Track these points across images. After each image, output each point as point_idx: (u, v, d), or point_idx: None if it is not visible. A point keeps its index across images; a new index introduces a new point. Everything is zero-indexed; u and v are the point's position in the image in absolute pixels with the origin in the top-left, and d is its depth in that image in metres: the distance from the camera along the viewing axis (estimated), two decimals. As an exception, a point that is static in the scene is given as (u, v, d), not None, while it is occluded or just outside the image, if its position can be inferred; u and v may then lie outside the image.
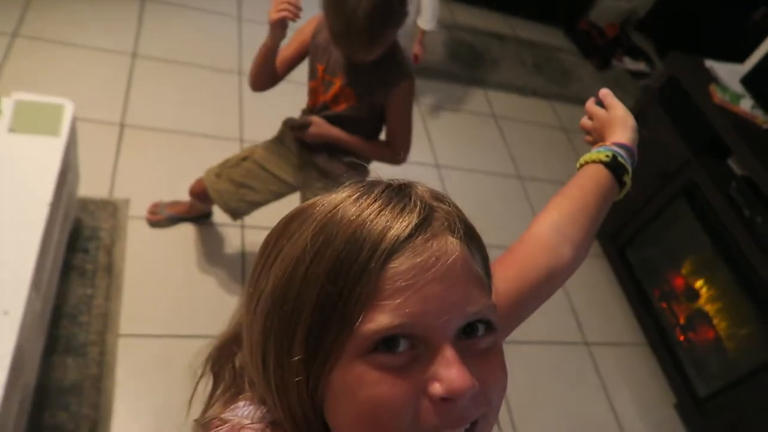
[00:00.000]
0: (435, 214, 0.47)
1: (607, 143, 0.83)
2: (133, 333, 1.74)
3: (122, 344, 1.71)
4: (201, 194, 1.83)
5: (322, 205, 0.47)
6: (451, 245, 0.46)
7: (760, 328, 1.98)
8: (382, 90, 1.50)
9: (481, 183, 2.77)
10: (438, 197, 0.49)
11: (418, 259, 0.44)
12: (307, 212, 0.48)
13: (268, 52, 1.50)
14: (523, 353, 2.16)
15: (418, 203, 0.46)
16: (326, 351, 0.44)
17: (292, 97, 2.63)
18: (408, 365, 0.43)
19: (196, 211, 2.03)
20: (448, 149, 2.82)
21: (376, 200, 0.46)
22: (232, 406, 0.53)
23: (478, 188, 2.74)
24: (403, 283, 0.43)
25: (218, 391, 0.58)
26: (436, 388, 0.43)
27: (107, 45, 2.48)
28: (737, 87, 2.19)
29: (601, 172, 0.80)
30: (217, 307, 1.84)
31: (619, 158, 0.81)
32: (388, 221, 0.45)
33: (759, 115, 2.12)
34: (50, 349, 1.62)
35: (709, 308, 2.21)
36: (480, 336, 0.46)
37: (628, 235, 2.47)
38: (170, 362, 1.70)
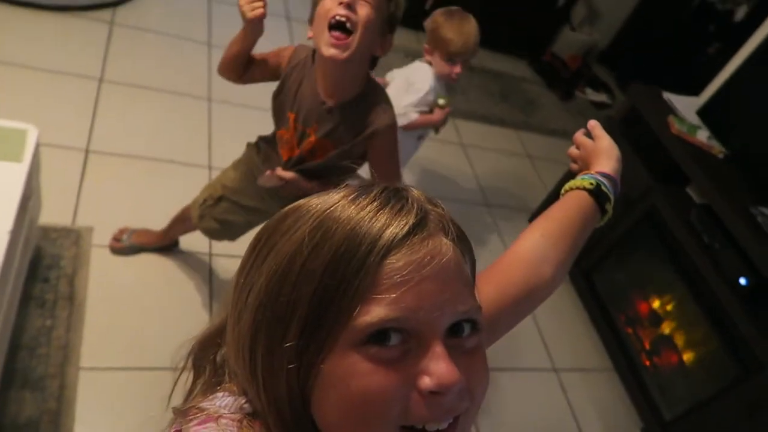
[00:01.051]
0: (430, 216, 0.49)
1: (592, 171, 0.87)
2: (94, 366, 1.69)
3: (83, 377, 1.65)
4: (187, 220, 1.82)
5: (319, 203, 0.50)
6: (445, 246, 0.48)
7: (720, 351, 2.02)
8: (363, 139, 1.38)
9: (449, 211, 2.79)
10: (432, 201, 0.52)
11: (415, 257, 0.46)
12: (303, 209, 0.50)
13: (242, 51, 1.42)
14: (492, 379, 2.16)
15: (415, 205, 0.49)
16: (320, 341, 0.46)
17: (261, 124, 2.63)
18: (399, 358, 0.45)
19: (168, 239, 1.99)
20: (418, 178, 2.85)
21: (374, 200, 0.48)
22: (210, 396, 0.53)
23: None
24: (399, 279, 0.45)
25: (198, 385, 0.59)
26: (426, 382, 0.45)
27: (73, 69, 2.45)
28: (693, 118, 2.28)
29: (585, 199, 0.84)
30: (183, 338, 1.79)
31: (603, 186, 0.84)
32: (386, 219, 0.47)
33: (715, 146, 2.20)
34: (6, 383, 1.56)
35: (672, 333, 2.26)
36: (466, 335, 0.48)
37: (593, 260, 2.51)
38: (133, 396, 1.65)
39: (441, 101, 2.12)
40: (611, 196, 0.86)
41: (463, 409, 0.48)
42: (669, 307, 2.30)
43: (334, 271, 0.45)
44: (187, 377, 0.60)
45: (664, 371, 2.27)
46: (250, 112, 2.68)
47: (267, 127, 2.73)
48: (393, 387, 0.45)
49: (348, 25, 1.24)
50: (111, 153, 2.23)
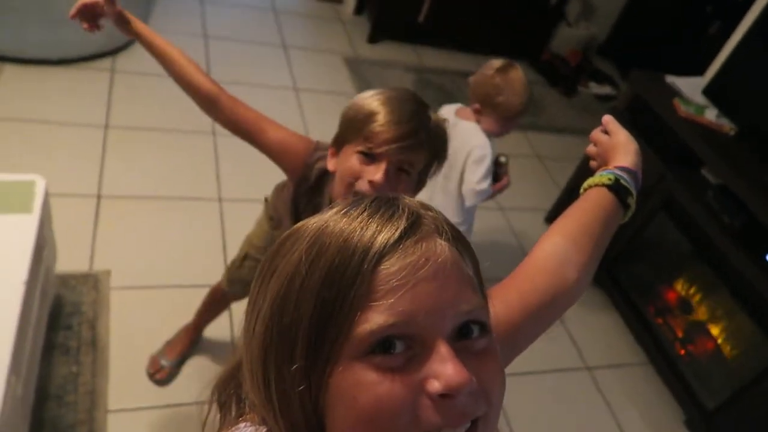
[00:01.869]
0: (423, 219, 0.49)
1: (610, 167, 0.85)
2: (122, 408, 1.69)
3: (112, 420, 1.65)
4: (219, 296, 1.74)
5: (314, 221, 0.49)
6: (440, 247, 0.47)
7: (755, 331, 1.96)
8: None
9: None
10: (425, 206, 0.51)
11: (409, 260, 0.45)
12: (300, 231, 0.50)
13: (146, 46, 1.28)
14: (524, 384, 2.12)
15: (406, 210, 0.48)
16: (325, 357, 0.45)
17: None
18: (405, 365, 0.44)
19: (200, 331, 1.87)
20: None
21: (364, 211, 0.48)
22: (233, 428, 0.53)
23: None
24: (395, 283, 0.44)
25: (226, 421, 0.58)
26: (434, 385, 0.43)
27: (78, 119, 2.50)
28: (700, 99, 2.24)
29: (605, 195, 0.81)
30: (207, 372, 1.79)
31: (622, 181, 0.82)
32: (377, 227, 0.46)
33: (724, 124, 2.16)
34: (37, 433, 1.57)
35: (704, 318, 2.20)
36: (475, 337, 0.47)
37: (613, 255, 2.47)
38: (164, 435, 1.65)
39: (502, 159, 1.95)
40: (632, 190, 0.83)
41: (480, 412, 0.46)
42: (697, 293, 2.24)
43: (330, 284, 0.45)
44: (215, 416, 0.60)
45: (700, 359, 2.20)
46: (255, 142, 2.70)
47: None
48: (400, 395, 0.44)
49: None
50: (122, 196, 2.25)
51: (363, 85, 3.33)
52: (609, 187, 0.82)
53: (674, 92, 2.29)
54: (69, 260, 1.92)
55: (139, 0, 3.02)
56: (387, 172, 1.03)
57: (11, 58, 2.60)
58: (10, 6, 2.45)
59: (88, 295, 1.92)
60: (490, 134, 1.88)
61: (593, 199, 0.82)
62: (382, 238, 0.46)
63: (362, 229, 0.46)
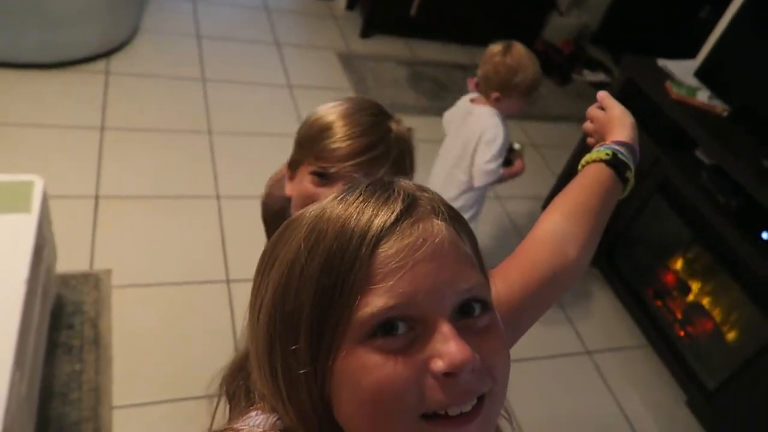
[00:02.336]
0: (419, 200, 0.49)
1: (607, 142, 0.84)
2: (126, 404, 1.70)
3: (117, 416, 1.67)
4: None
5: (311, 210, 0.50)
6: (437, 227, 0.47)
7: (753, 310, 1.98)
8: None
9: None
10: (420, 188, 0.51)
11: (406, 241, 0.45)
12: (298, 220, 0.50)
13: None
14: (526, 370, 2.13)
15: (401, 192, 0.49)
16: (328, 343, 0.45)
17: (262, 149, 2.67)
18: (407, 346, 0.45)
19: None
20: (423, 176, 2.85)
21: (360, 196, 0.48)
22: (244, 417, 0.53)
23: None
24: (393, 266, 0.44)
25: (236, 412, 0.58)
26: (438, 364, 0.44)
27: (74, 121, 2.51)
28: (692, 81, 2.25)
29: (603, 171, 0.81)
30: (210, 366, 1.80)
31: (620, 155, 0.82)
32: (373, 210, 0.47)
33: (717, 105, 2.17)
34: (43, 431, 1.58)
35: (702, 299, 2.21)
36: (476, 315, 0.47)
37: (610, 238, 2.48)
38: (168, 428, 1.66)
39: (516, 146, 1.93)
40: (630, 164, 0.83)
41: (485, 389, 0.46)
42: (695, 274, 2.26)
43: (329, 270, 0.45)
44: (224, 408, 0.60)
45: (700, 339, 2.22)
46: (250, 139, 2.72)
47: (268, 151, 2.78)
48: (404, 375, 0.44)
49: None
50: (120, 196, 2.27)
51: (357, 79, 3.34)
52: (607, 162, 0.81)
53: (666, 75, 2.30)
54: (69, 260, 1.94)
55: (132, 0, 3.02)
56: None
57: (4, 63, 2.61)
58: (5, 10, 2.46)
59: (89, 294, 1.93)
60: (507, 117, 1.90)
61: (591, 175, 0.81)
62: (378, 222, 0.46)
63: (359, 213, 0.47)
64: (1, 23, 2.49)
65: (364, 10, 3.82)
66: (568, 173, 2.76)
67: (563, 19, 4.12)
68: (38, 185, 1.55)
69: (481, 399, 0.46)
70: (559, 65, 3.93)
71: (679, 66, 2.34)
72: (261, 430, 0.50)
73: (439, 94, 3.46)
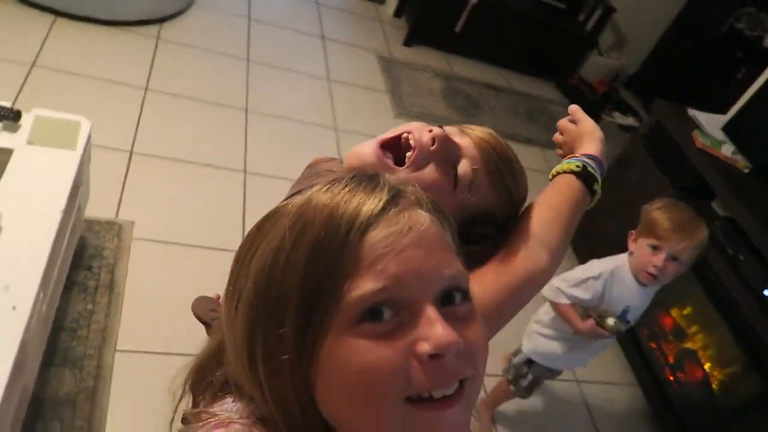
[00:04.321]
0: (403, 192, 0.51)
1: (577, 154, 0.87)
2: (130, 349, 1.77)
3: (119, 359, 1.73)
4: None
5: (294, 202, 0.50)
6: (422, 216, 0.49)
7: (745, 365, 2.01)
8: None
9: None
10: (404, 183, 0.53)
11: (393, 228, 0.47)
12: (280, 212, 0.51)
13: None
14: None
15: (387, 184, 0.50)
16: (315, 328, 0.46)
17: (294, 134, 2.75)
18: (393, 331, 0.46)
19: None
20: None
21: (346, 186, 0.50)
22: (219, 402, 0.54)
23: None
24: (381, 251, 0.46)
25: (210, 399, 0.58)
26: (424, 347, 0.45)
27: (121, 78, 2.60)
28: (718, 134, 2.31)
29: (573, 182, 0.84)
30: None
31: (589, 168, 0.85)
32: (361, 199, 0.48)
33: (739, 160, 2.22)
34: (48, 361, 1.64)
35: (696, 347, 2.25)
36: (458, 303, 0.49)
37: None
38: (165, 379, 1.72)
39: (610, 321, 1.65)
40: (598, 177, 0.86)
41: (467, 374, 0.47)
42: (693, 321, 2.29)
43: (318, 256, 0.46)
44: (187, 403, 0.60)
45: (688, 386, 2.25)
46: (283, 123, 2.80)
47: (299, 137, 2.86)
48: (391, 359, 0.45)
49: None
50: (153, 155, 2.35)
51: (393, 84, 3.43)
52: (577, 174, 0.84)
53: (694, 124, 2.36)
54: (97, 207, 2.01)
55: (191, -25, 3.13)
56: None
57: (63, 13, 2.71)
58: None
59: (111, 241, 2.01)
60: (637, 270, 1.66)
61: (562, 185, 0.84)
62: (366, 209, 0.47)
63: (346, 202, 0.48)
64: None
65: (410, 19, 3.91)
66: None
67: (602, 58, 4.19)
68: (85, 126, 1.63)
69: (462, 383, 0.47)
70: (589, 102, 4.00)
71: (708, 118, 2.39)
72: (237, 416, 0.51)
73: (469, 110, 3.54)
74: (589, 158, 0.86)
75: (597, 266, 1.72)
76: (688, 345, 2.28)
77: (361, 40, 3.74)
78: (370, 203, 0.48)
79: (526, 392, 1.92)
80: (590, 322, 1.67)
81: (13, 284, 1.24)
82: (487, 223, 0.81)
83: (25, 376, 1.31)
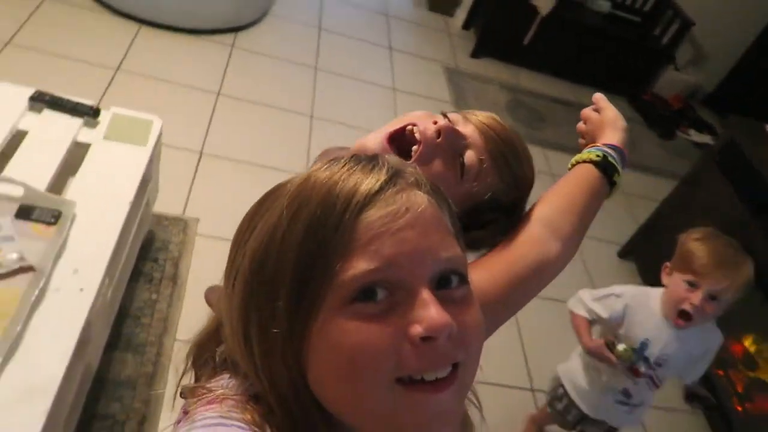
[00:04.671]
0: (403, 173, 0.50)
1: (599, 144, 0.86)
2: (188, 339, 1.84)
3: (177, 348, 1.81)
4: None
5: (293, 180, 0.50)
6: (420, 197, 0.48)
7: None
8: None
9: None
10: (404, 164, 0.52)
11: (390, 208, 0.46)
12: (279, 190, 0.51)
13: None
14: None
15: (386, 164, 0.49)
16: (308, 307, 0.45)
17: (357, 139, 2.80)
18: (387, 312, 0.45)
19: None
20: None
21: (345, 165, 0.49)
22: (216, 378, 0.54)
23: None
24: (377, 231, 0.45)
25: (207, 375, 0.59)
26: (417, 329, 0.44)
27: (195, 83, 2.74)
28: (800, 153, 2.18)
29: (591, 171, 0.82)
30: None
31: (609, 158, 0.83)
32: (359, 178, 0.47)
33: (822, 181, 2.08)
34: (113, 345, 1.74)
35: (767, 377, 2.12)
36: (454, 287, 0.48)
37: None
38: (219, 370, 1.79)
39: (620, 347, 1.52)
40: (619, 167, 0.84)
41: (459, 358, 0.47)
42: (765, 350, 2.16)
43: (313, 234, 0.45)
44: (190, 378, 0.61)
45: (757, 418, 2.12)
46: (347, 130, 2.86)
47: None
48: (382, 339, 0.44)
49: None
50: (221, 156, 2.45)
51: (458, 95, 3.43)
52: (596, 163, 0.82)
53: (772, 142, 2.23)
54: (166, 203, 2.12)
55: (266, -13, 3.27)
56: None
57: (147, 22, 2.89)
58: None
59: (176, 236, 2.11)
60: (668, 306, 1.50)
61: (580, 174, 0.82)
62: (363, 188, 0.46)
63: (343, 181, 0.47)
64: (152, -14, 2.78)
65: (478, 31, 3.91)
66: (651, 224, 2.71)
67: (677, 74, 4.04)
68: (156, 125, 1.73)
69: (455, 367, 0.46)
70: (663, 118, 3.86)
71: (789, 136, 2.26)
72: (232, 393, 0.51)
73: (533, 123, 3.49)
74: (610, 148, 0.84)
75: (623, 288, 1.60)
76: (760, 375, 2.15)
77: (428, 51, 3.77)
78: (368, 182, 0.47)
79: (563, 419, 1.78)
80: (600, 341, 1.56)
81: (81, 268, 1.32)
82: (493, 209, 0.80)
83: (89, 354, 1.40)
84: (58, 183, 1.51)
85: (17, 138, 1.55)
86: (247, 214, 0.53)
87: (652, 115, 3.92)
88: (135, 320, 1.84)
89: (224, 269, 0.53)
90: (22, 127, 1.57)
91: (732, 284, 1.40)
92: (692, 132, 3.95)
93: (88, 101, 1.68)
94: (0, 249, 1.26)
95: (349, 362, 0.44)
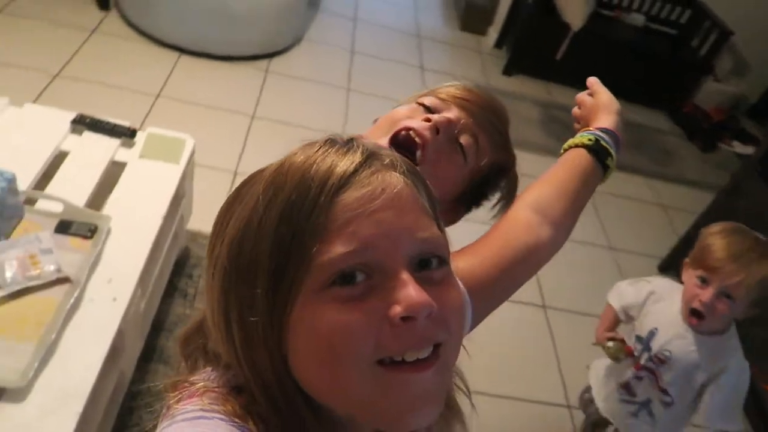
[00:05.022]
0: (377, 155, 0.49)
1: (591, 128, 0.85)
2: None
3: (210, 361, 1.85)
4: None
5: (270, 166, 0.50)
6: (395, 178, 0.47)
7: None
8: None
9: (569, 250, 2.75)
10: (380, 147, 0.51)
11: (365, 190, 0.45)
12: (256, 176, 0.51)
13: None
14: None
15: (361, 146, 0.49)
16: (285, 293, 0.45)
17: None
18: (364, 294, 0.45)
19: None
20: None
21: (320, 148, 0.48)
22: (200, 372, 0.54)
23: (566, 255, 2.72)
24: (353, 213, 0.45)
25: (191, 368, 0.58)
26: (396, 309, 0.44)
27: (231, 106, 2.84)
28: None
29: (583, 156, 0.81)
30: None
31: (602, 142, 0.82)
32: (333, 161, 0.47)
33: None
34: (147, 357, 1.80)
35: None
36: (433, 268, 0.48)
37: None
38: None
39: (610, 344, 1.52)
40: (612, 151, 0.82)
41: (441, 338, 0.46)
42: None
43: (288, 219, 0.45)
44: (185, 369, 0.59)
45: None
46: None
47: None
48: (361, 322, 0.44)
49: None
50: (254, 176, 2.52)
51: (490, 112, 3.43)
52: (589, 147, 0.81)
53: (816, 148, 2.15)
54: (202, 221, 2.18)
55: (299, 13, 3.37)
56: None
57: (187, 50, 3.02)
58: (191, 8, 2.89)
59: (210, 252, 2.17)
60: (683, 304, 1.43)
61: (572, 159, 0.81)
62: (338, 170, 0.46)
63: (318, 164, 0.47)
64: (186, 18, 2.92)
65: (510, 49, 3.92)
66: (692, 238, 2.62)
67: (718, 85, 3.94)
68: (189, 143, 1.80)
69: (436, 347, 0.46)
70: (704, 130, 3.76)
71: (834, 141, 2.18)
72: (214, 385, 0.50)
73: (567, 138, 3.45)
74: (603, 132, 0.83)
75: (660, 278, 1.56)
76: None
77: (459, 69, 3.80)
78: (343, 164, 0.46)
79: (587, 412, 1.74)
80: (606, 334, 1.55)
81: (115, 278, 1.38)
82: (496, 173, 0.83)
83: (122, 362, 1.44)
84: (96, 199, 1.59)
85: (59, 158, 1.64)
86: (225, 203, 0.52)
87: (693, 128, 3.83)
88: (169, 334, 1.89)
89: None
90: (64, 147, 1.66)
91: (746, 279, 1.28)
92: (736, 143, 3.84)
93: (124, 122, 1.77)
94: (39, 261, 1.33)
95: (329, 346, 0.44)
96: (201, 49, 3.03)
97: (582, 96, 0.92)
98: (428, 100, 0.82)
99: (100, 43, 2.94)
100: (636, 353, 1.52)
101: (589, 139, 0.82)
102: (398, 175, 0.48)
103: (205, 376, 0.52)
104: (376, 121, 0.89)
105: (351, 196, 0.45)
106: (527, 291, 2.44)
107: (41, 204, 1.48)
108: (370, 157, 0.48)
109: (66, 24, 2.98)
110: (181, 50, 3.03)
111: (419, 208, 0.48)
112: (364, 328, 0.44)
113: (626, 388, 1.56)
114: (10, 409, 1.10)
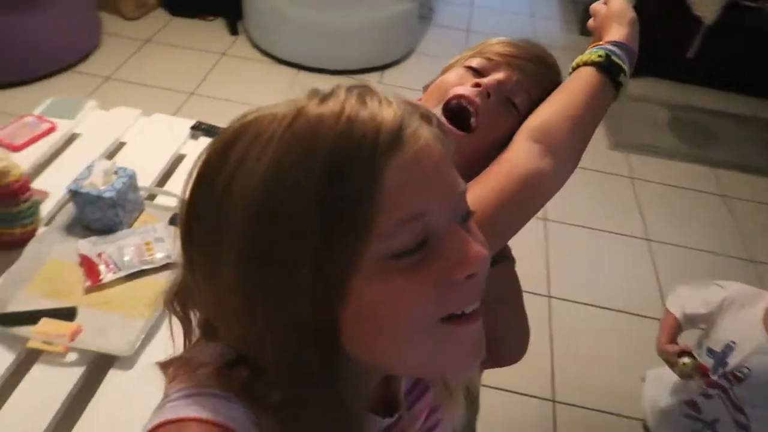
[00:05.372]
0: (412, 106, 0.46)
1: (602, 42, 0.77)
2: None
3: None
4: None
5: (276, 116, 0.43)
6: (431, 132, 0.45)
7: None
8: None
9: (698, 261, 2.52)
10: (399, 95, 0.47)
11: (414, 149, 0.42)
12: (252, 130, 0.43)
13: None
14: None
15: (387, 98, 0.44)
16: (337, 263, 0.41)
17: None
18: (425, 259, 0.43)
19: None
20: (663, 224, 2.65)
21: (346, 100, 0.42)
22: (203, 345, 0.51)
23: (695, 266, 2.49)
24: (407, 176, 0.41)
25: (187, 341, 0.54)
26: (462, 269, 0.43)
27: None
28: None
29: (592, 74, 0.73)
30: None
31: (613, 57, 0.74)
32: (375, 115, 0.41)
33: None
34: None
35: None
36: (469, 220, 0.47)
37: None
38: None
39: (686, 360, 1.33)
40: (625, 67, 0.74)
41: (484, 285, 0.47)
42: None
43: (335, 188, 0.39)
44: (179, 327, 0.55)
45: None
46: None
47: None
48: (427, 288, 0.43)
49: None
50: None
51: (609, 115, 3.26)
52: (598, 65, 0.73)
53: None
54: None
55: (410, 26, 3.46)
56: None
57: (305, 67, 3.21)
58: (309, 27, 3.08)
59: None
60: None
61: (580, 78, 0.74)
62: (386, 127, 0.41)
63: (359, 116, 0.41)
64: (302, 37, 3.12)
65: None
66: (760, 231, 2.30)
67: None
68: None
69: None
70: None
71: None
72: (208, 360, 0.47)
73: (699, 141, 3.18)
74: (614, 45, 0.75)
75: (733, 283, 1.35)
76: None
77: (578, 74, 3.65)
78: (389, 119, 0.41)
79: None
80: (673, 346, 1.34)
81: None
82: None
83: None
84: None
85: (178, 160, 1.81)
86: (207, 164, 0.45)
87: None
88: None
89: (181, 247, 0.47)
90: (183, 151, 1.83)
91: None
92: None
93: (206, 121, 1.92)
94: (153, 248, 1.47)
95: (395, 315, 0.43)
96: (316, 65, 3.20)
97: (596, 5, 0.84)
98: (476, 62, 0.80)
99: (229, 64, 3.22)
100: (708, 369, 1.33)
101: (599, 56, 0.74)
102: (435, 129, 0.46)
103: (196, 352, 0.50)
104: (426, 88, 0.88)
105: (403, 156, 0.41)
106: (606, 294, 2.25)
107: (160, 199, 1.64)
108: (407, 110, 0.44)
109: (202, 48, 3.30)
110: (300, 67, 3.22)
111: (450, 161, 0.46)
112: (431, 293, 0.43)
113: (691, 405, 1.39)
114: (120, 374, 1.22)
